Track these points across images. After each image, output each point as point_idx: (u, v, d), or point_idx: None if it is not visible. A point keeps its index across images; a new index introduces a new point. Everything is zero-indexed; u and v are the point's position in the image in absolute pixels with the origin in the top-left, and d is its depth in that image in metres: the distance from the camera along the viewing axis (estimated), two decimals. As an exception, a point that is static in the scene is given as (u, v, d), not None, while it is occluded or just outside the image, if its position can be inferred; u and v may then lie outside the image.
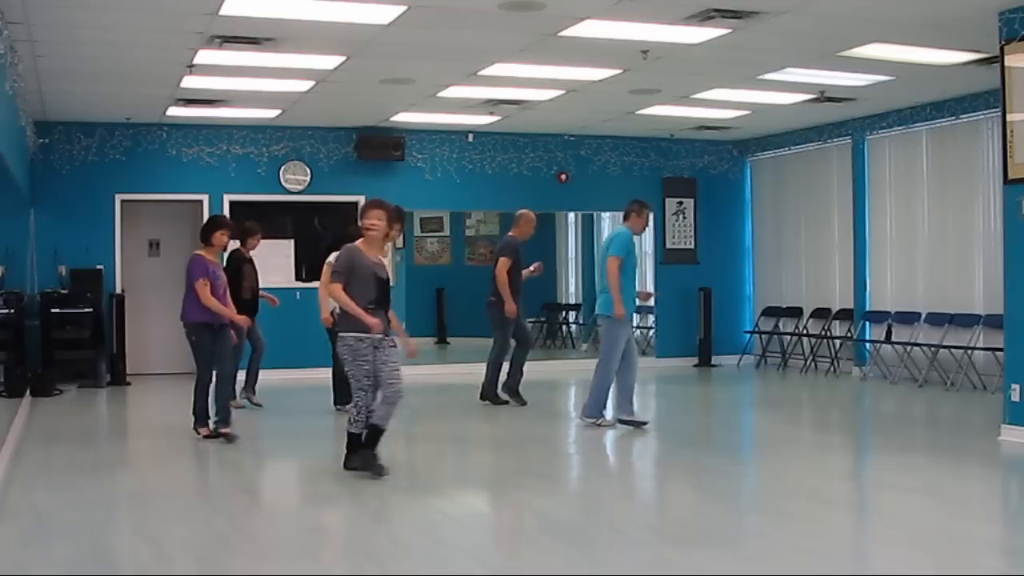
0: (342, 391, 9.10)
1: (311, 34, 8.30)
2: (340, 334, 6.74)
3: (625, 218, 8.96)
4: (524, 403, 10.09)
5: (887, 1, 7.56)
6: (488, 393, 10.20)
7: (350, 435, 6.90)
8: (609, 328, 8.75)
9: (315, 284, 12.54)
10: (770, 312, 14.29)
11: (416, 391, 11.86)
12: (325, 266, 8.66)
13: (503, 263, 9.96)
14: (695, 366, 14.21)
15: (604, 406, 8.91)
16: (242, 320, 8.71)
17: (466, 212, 16.56)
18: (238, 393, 9.87)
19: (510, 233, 10.38)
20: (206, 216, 12.77)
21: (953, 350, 11.12)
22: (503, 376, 10.16)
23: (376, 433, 6.80)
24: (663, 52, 8.93)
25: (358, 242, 6.84)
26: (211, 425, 8.36)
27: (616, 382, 8.81)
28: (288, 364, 11.67)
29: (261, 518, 6.13)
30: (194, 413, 8.40)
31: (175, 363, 13.24)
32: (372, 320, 6.54)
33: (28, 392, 10.77)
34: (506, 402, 10.13)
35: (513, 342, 10.23)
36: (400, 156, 13.28)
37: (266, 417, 9.91)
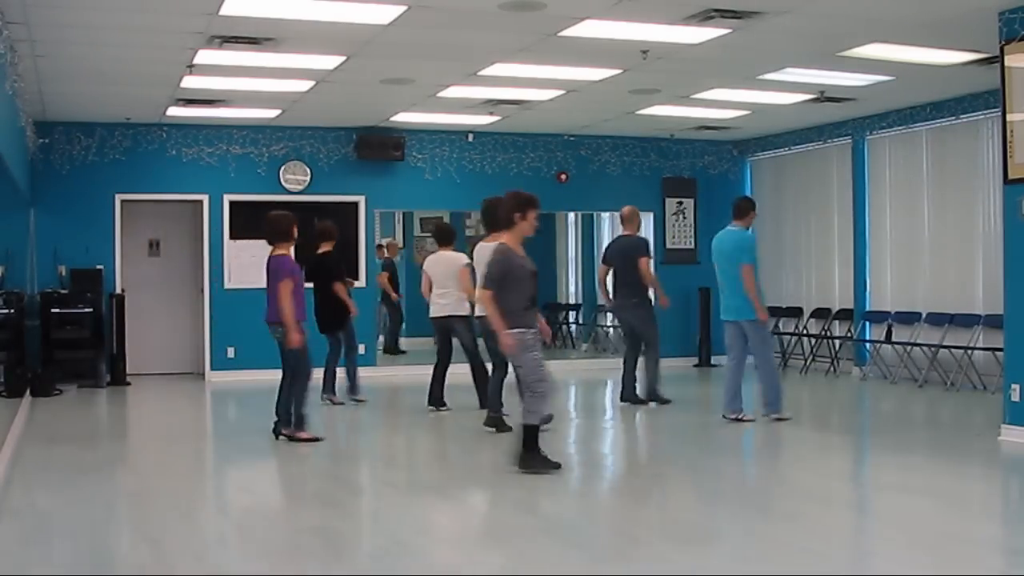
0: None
1: (311, 34, 8.30)
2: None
3: (739, 216, 9.16)
4: (668, 401, 10.14)
5: (887, 1, 7.56)
6: (654, 393, 10.11)
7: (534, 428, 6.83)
8: (759, 329, 9.09)
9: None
10: (770, 312, 14.23)
11: (416, 391, 11.87)
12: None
13: (648, 263, 10.05)
14: (695, 366, 14.21)
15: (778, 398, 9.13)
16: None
17: (466, 212, 16.56)
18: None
19: (628, 231, 10.28)
20: (206, 216, 12.81)
21: (953, 350, 11.12)
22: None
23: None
24: (663, 52, 8.93)
25: (504, 239, 6.95)
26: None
27: (733, 380, 9.13)
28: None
29: (261, 518, 6.13)
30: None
31: (175, 363, 13.27)
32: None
33: (28, 392, 10.78)
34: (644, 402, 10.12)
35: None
36: (400, 156, 13.28)
37: (266, 416, 9.90)
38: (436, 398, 9.67)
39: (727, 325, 9.24)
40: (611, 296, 10.26)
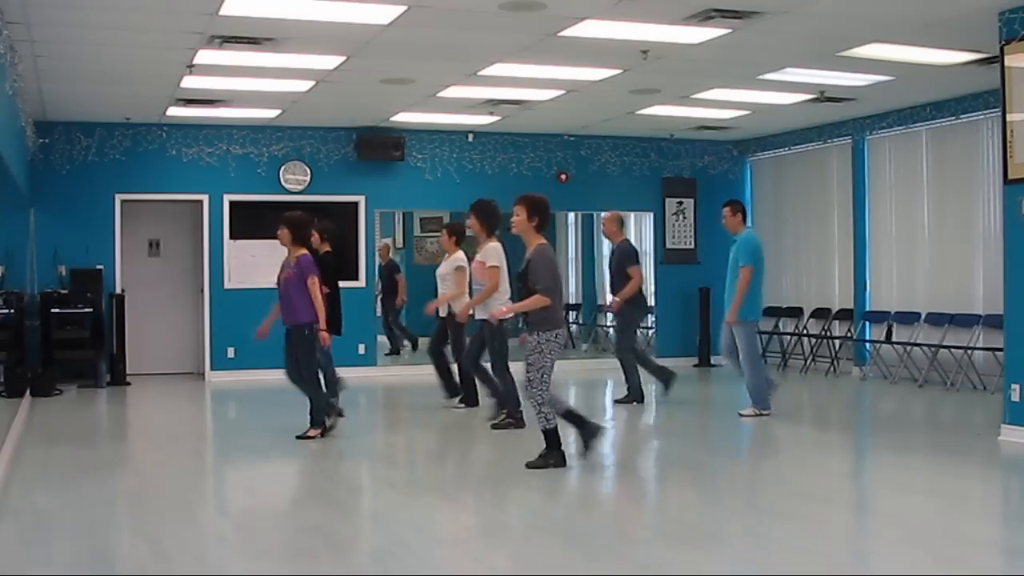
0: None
1: (311, 34, 8.30)
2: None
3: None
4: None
5: (887, 1, 7.57)
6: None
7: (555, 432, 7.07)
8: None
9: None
10: (770, 312, 14.25)
11: (415, 390, 11.87)
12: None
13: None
14: (695, 366, 14.20)
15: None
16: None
17: (466, 212, 16.57)
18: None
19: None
20: (206, 216, 12.81)
21: (953, 350, 11.12)
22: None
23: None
24: (663, 52, 8.93)
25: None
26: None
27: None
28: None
29: (261, 518, 6.13)
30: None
31: (175, 363, 13.27)
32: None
33: (28, 392, 10.78)
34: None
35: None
36: (400, 156, 13.29)
37: (266, 416, 9.91)
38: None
39: (754, 324, 9.47)
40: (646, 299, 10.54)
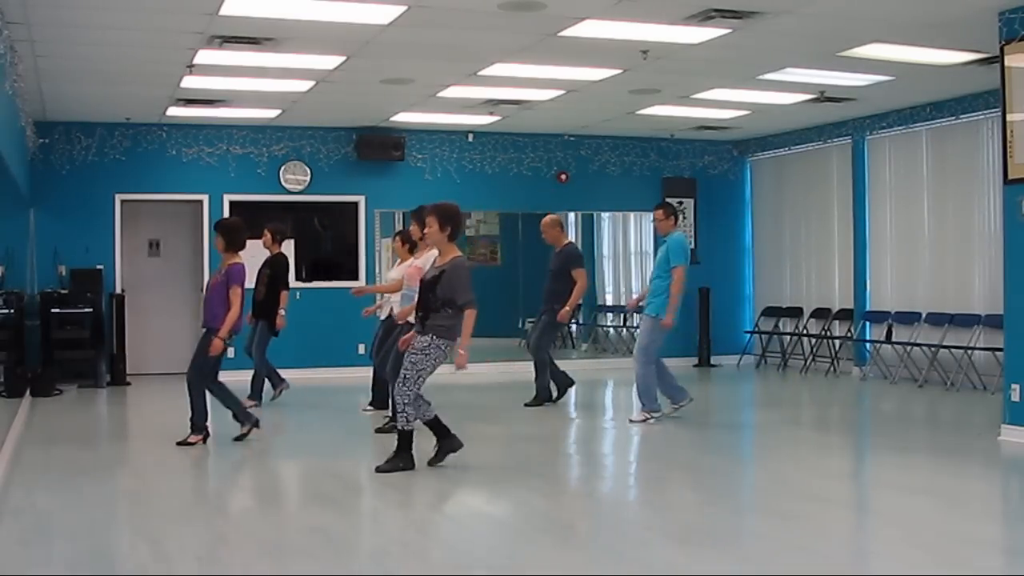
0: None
1: (311, 34, 8.30)
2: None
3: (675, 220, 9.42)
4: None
5: (887, 1, 7.57)
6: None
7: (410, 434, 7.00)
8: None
9: (315, 284, 12.62)
10: (770, 312, 14.29)
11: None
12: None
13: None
14: (695, 366, 14.21)
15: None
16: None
17: (466, 212, 16.55)
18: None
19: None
20: (206, 216, 12.81)
21: (953, 350, 11.12)
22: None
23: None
24: (663, 52, 8.94)
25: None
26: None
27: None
28: (285, 364, 11.66)
29: (261, 518, 6.13)
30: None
31: (175, 363, 13.24)
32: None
33: (28, 392, 10.78)
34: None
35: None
36: (400, 156, 13.29)
37: (264, 416, 9.89)
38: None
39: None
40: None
